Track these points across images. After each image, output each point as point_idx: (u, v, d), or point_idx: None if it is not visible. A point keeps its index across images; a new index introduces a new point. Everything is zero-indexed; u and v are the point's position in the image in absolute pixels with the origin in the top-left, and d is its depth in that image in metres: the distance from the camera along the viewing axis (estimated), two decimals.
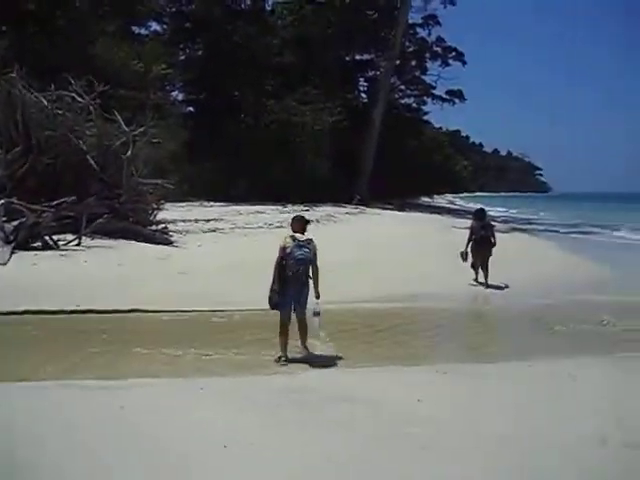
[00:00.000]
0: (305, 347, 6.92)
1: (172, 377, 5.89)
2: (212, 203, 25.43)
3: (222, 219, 19.27)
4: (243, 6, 34.72)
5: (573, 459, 4.21)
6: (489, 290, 11.66)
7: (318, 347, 7.05)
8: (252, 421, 4.67)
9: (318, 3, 37.87)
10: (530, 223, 35.44)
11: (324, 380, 5.95)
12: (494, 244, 11.94)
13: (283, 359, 6.59)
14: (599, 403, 5.39)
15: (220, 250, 13.52)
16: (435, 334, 8.63)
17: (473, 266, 12.02)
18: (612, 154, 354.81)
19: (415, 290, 10.80)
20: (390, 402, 5.19)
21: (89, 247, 12.37)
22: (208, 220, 18.59)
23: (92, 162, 14.15)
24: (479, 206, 13.73)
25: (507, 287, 11.69)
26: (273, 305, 6.74)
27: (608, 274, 14.02)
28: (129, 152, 14.51)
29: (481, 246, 11.79)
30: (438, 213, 35.42)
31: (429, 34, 40.47)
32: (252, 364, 6.47)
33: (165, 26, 34.05)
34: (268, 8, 37.10)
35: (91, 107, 15.14)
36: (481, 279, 11.93)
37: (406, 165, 36.05)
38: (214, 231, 16.48)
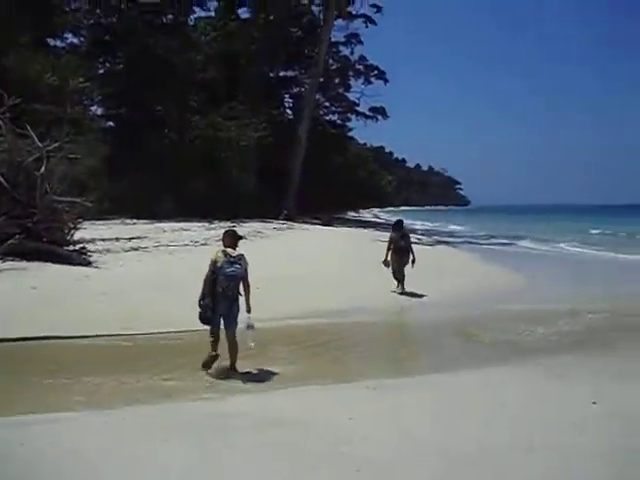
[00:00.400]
0: (234, 368, 6.78)
1: (92, 408, 5.52)
2: (135, 221, 24.58)
3: (145, 237, 18.61)
4: (164, 20, 34.09)
5: (506, 467, 4.27)
6: (416, 301, 11.95)
7: (248, 368, 6.86)
8: (179, 451, 4.44)
9: (242, 19, 37.92)
10: (453, 236, 36.68)
11: (254, 403, 5.78)
12: (414, 257, 12.52)
13: (213, 354, 6.67)
14: (525, 411, 5.52)
15: (143, 270, 13.03)
16: (364, 349, 8.63)
17: (396, 277, 12.60)
18: (527, 168, 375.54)
19: (343, 305, 10.81)
20: (322, 422, 5.09)
21: (0, 270, 11.59)
22: (130, 238, 17.90)
23: (1, 179, 13.31)
24: (398, 218, 14.37)
25: (426, 296, 12.23)
26: (205, 320, 6.70)
27: (527, 283, 14.63)
28: (43, 168, 13.77)
29: (400, 255, 12.51)
30: (364, 227, 35.96)
31: (352, 52, 41.41)
32: (179, 389, 6.20)
33: (82, 38, 32.87)
34: (190, 23, 36.65)
35: (0, 122, 14.27)
36: (402, 288, 12.52)
37: (332, 180, 36.46)
38: (137, 250, 15.86)
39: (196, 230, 22.03)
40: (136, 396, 5.93)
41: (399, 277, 12.57)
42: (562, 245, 28.21)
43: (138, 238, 18.20)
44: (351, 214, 50.91)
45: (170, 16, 33.84)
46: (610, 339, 9.11)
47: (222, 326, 6.77)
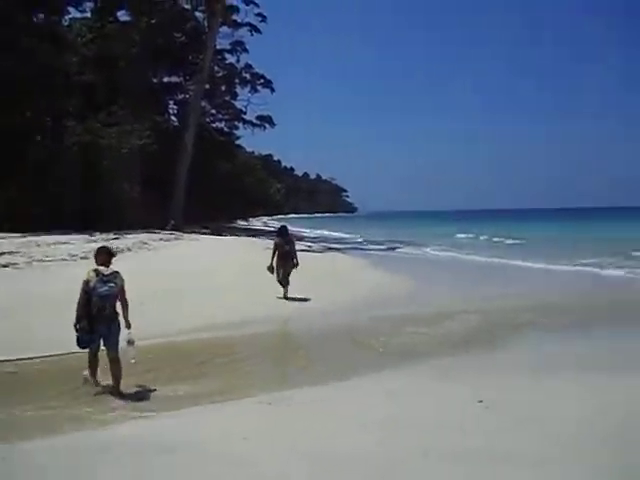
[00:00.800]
0: (119, 391, 6.34)
1: None
2: (3, 234, 22.64)
3: (17, 252, 17.14)
4: (35, 19, 31.86)
5: (401, 474, 4.28)
6: (306, 308, 11.96)
7: (134, 389, 6.43)
8: None
9: (120, 22, 36.38)
10: (341, 242, 37.45)
11: (142, 428, 5.39)
12: (297, 262, 12.83)
13: (92, 381, 6.47)
14: (419, 414, 5.61)
15: (12, 289, 11.95)
16: (257, 362, 8.45)
17: (280, 282, 12.73)
18: (409, 176, 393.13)
19: (234, 317, 10.56)
20: (215, 444, 4.83)
21: None
22: None
23: None
24: (282, 224, 14.65)
25: (316, 302, 12.33)
26: (83, 344, 6.39)
27: (411, 287, 15.17)
28: None
29: (285, 260, 12.76)
30: (254, 235, 35.70)
31: (238, 60, 41.19)
32: (58, 419, 5.63)
33: None
34: (65, 23, 34.54)
35: None
36: (286, 294, 12.67)
37: (221, 189, 35.97)
38: (6, 267, 14.55)
39: (75, 243, 20.63)
40: (9, 431, 5.32)
41: (284, 282, 12.73)
42: (428, 249, 30.11)
43: (8, 253, 16.74)
44: (241, 223, 50.54)
45: (41, 15, 31.72)
46: (492, 337, 9.61)
47: (103, 347, 6.40)
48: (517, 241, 33.23)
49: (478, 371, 7.37)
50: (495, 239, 36.21)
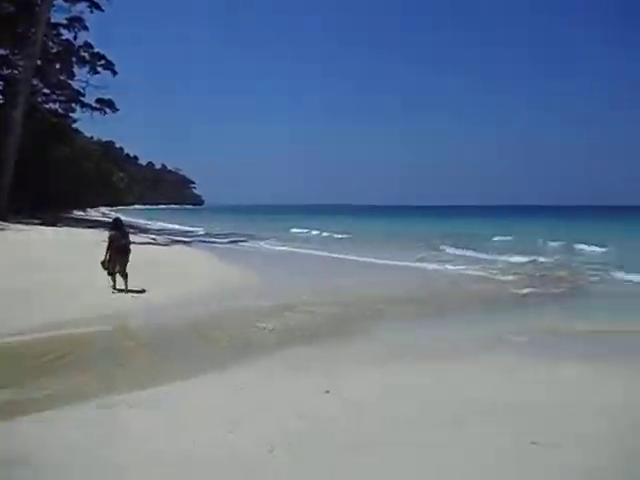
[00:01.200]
0: None
1: None
2: None
3: None
4: None
5: (250, 469, 4.24)
6: (147, 303, 11.48)
7: None
8: None
9: None
10: (187, 235, 36.55)
11: None
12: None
13: None
14: (267, 407, 5.61)
15: None
16: (94, 363, 7.86)
17: (110, 273, 12.30)
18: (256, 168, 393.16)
19: (69, 314, 9.81)
20: (50, 456, 4.40)
21: None
22: None
23: None
24: (116, 216, 14.18)
25: (157, 296, 11.98)
26: None
27: (258, 280, 15.23)
28: None
29: (121, 253, 12.37)
30: (92, 227, 33.52)
31: (75, 37, 38.26)
32: None
33: None
34: None
35: None
36: (120, 285, 12.26)
37: (55, 175, 33.26)
38: None
39: None
40: None
41: (122, 276, 12.29)
42: (267, 243, 30.71)
43: None
44: (78, 213, 47.17)
45: None
46: (336, 328, 9.91)
47: None
48: (345, 235, 35.77)
49: (325, 362, 7.54)
50: (325, 234, 38.29)
